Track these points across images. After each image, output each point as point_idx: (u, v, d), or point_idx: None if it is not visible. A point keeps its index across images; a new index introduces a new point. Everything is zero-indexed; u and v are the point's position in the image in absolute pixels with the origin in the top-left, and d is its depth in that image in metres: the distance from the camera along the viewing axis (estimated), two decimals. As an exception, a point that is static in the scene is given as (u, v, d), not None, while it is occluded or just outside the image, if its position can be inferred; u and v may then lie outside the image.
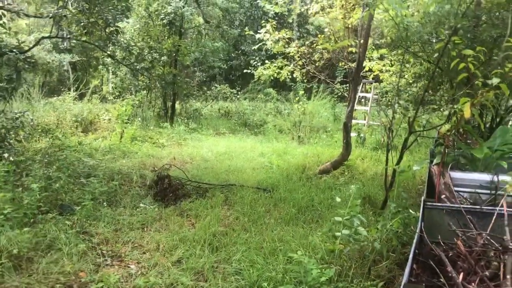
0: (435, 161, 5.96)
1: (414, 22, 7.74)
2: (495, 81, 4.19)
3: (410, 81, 10.50)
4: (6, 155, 6.29)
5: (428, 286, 3.23)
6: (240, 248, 4.61)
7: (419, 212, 4.21)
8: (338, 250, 3.97)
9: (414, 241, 3.46)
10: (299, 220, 5.62)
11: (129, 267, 4.33)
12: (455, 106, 4.80)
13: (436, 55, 5.78)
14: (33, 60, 8.95)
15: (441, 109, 7.81)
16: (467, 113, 4.74)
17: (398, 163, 5.60)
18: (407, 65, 10.93)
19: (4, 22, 7.63)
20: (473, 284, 3.00)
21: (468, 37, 6.23)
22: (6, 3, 9.50)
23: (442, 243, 3.72)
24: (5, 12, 8.36)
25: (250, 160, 9.68)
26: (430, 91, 8.17)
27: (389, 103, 8.95)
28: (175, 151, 10.53)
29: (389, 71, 12.20)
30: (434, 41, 6.65)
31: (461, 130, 5.87)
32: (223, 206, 6.30)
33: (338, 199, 4.28)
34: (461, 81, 5.79)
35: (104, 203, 5.97)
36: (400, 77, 11.17)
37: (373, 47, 12.18)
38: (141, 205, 6.19)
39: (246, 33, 12.94)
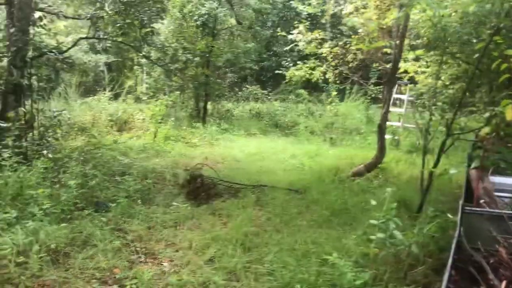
0: (473, 164, 5.78)
1: (452, 22, 7.54)
2: (540, 82, 4.02)
3: (447, 83, 10.23)
4: (45, 152, 6.47)
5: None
6: (272, 249, 4.58)
7: (457, 217, 4.08)
8: (372, 254, 3.89)
9: (453, 246, 3.36)
10: (332, 222, 5.55)
11: (162, 264, 4.37)
12: (495, 109, 4.64)
13: (476, 55, 5.59)
14: (70, 61, 9.21)
15: (480, 112, 7.57)
16: (509, 116, 4.57)
17: (435, 166, 5.45)
18: (444, 67, 10.66)
19: (44, 24, 7.87)
20: (517, 293, 2.89)
21: (511, 37, 6.00)
22: (46, 5, 9.78)
23: (482, 249, 3.60)
24: (45, 14, 8.63)
25: (282, 161, 9.65)
26: (468, 93, 7.94)
27: (425, 105, 8.72)
28: (207, 151, 10.61)
29: (425, 72, 11.92)
30: (474, 41, 6.43)
31: (501, 133, 5.67)
32: (254, 206, 6.28)
33: (373, 202, 4.18)
34: (502, 83, 5.59)
35: (138, 200, 6.05)
36: (437, 78, 10.90)
37: (409, 48, 11.94)
38: (174, 203, 6.24)
39: (279, 34, 12.92)
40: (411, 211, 5.85)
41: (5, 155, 5.23)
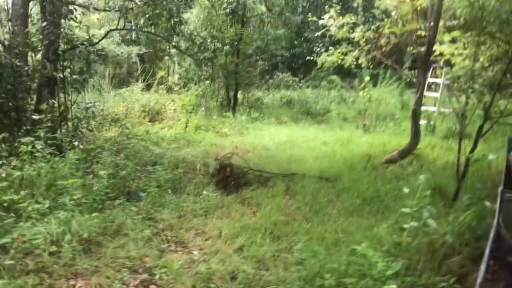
0: (514, 149, 5.51)
1: (490, 0, 7.18)
2: None
3: (486, 65, 9.80)
4: (76, 143, 6.60)
5: (508, 285, 2.98)
6: (302, 238, 4.51)
7: (496, 204, 3.89)
8: (405, 243, 3.76)
9: (491, 235, 3.20)
10: (364, 211, 5.42)
11: (192, 253, 4.38)
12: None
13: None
14: (103, 53, 9.32)
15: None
16: (552, 98, 4.32)
17: (472, 151, 5.22)
18: (482, 48, 10.19)
19: (75, 17, 7.98)
20: (560, 285, 2.72)
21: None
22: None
23: (522, 238, 3.42)
24: (76, 7, 8.75)
25: (313, 149, 9.51)
26: (509, 75, 7.57)
27: (462, 88, 8.38)
28: (237, 140, 10.59)
29: (462, 54, 11.45)
30: (515, 19, 6.10)
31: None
32: (284, 195, 6.21)
33: (406, 190, 4.04)
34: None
35: (169, 190, 6.10)
36: (475, 60, 10.46)
37: (444, 30, 11.48)
38: (204, 192, 6.26)
39: (309, 19, 12.67)
40: (447, 198, 5.64)
41: (38, 146, 5.33)
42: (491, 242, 2.99)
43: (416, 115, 7.75)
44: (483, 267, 2.64)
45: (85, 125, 8.18)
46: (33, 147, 5.32)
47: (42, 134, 5.63)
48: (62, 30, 7.68)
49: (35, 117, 6.21)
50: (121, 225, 4.67)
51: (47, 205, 4.41)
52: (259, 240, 4.50)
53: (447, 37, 11.56)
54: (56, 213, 4.34)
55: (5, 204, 4.40)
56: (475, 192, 5.55)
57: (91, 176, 5.83)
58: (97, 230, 4.42)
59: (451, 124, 10.48)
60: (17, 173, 4.84)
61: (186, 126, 11.43)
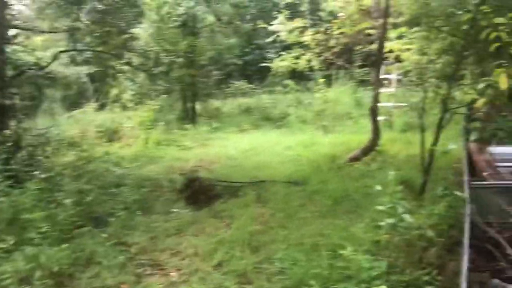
0: (472, 137, 5.73)
1: (436, -5, 7.44)
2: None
3: (433, 58, 10.17)
4: (37, 172, 6.30)
5: (486, 271, 3.06)
6: (280, 246, 4.50)
7: (464, 193, 4.01)
8: (384, 240, 3.80)
9: (466, 224, 3.28)
10: (337, 211, 5.47)
11: (170, 275, 4.26)
12: (492, 79, 4.57)
13: (464, 27, 5.51)
14: (52, 76, 9.01)
15: (469, 84, 7.51)
16: (503, 84, 4.51)
17: (434, 143, 5.37)
18: (427, 42, 10.57)
19: (21, 41, 7.67)
20: (538, 266, 2.82)
21: (496, 5, 5.92)
22: (21, 21, 9.53)
23: (494, 223, 3.53)
24: (19, 31, 8.42)
25: (277, 154, 9.53)
26: (456, 66, 7.87)
27: (417, 82, 8.64)
28: (201, 152, 10.46)
29: (410, 49, 11.84)
30: (459, 13, 6.34)
31: (497, 103, 5.61)
32: (256, 203, 6.18)
33: (378, 187, 4.10)
34: (491, 53, 5.52)
35: (137, 211, 5.92)
36: (423, 54, 10.82)
37: (391, 27, 11.83)
38: (174, 210, 6.12)
39: (259, 26, 12.76)
40: (414, 191, 5.77)
41: (-5, 180, 5.06)
42: (468, 232, 3.06)
43: (374, 112, 7.92)
44: (465, 257, 2.68)
45: (41, 153, 7.84)
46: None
47: (-1, 167, 5.33)
48: (8, 55, 7.35)
49: (-12, 149, 5.87)
50: (92, 253, 4.49)
51: (12, 242, 4.17)
52: (237, 254, 4.44)
53: (394, 34, 11.97)
54: (23, 249, 4.11)
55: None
56: (440, 181, 5.73)
57: (54, 205, 5.57)
58: (67, 261, 4.22)
59: (407, 117, 10.78)
60: (-26, 211, 4.56)
61: (146, 143, 11.18)
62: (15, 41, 7.85)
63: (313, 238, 4.57)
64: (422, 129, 5.72)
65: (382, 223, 3.84)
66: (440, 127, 5.38)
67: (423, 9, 7.19)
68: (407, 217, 3.68)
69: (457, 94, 5.90)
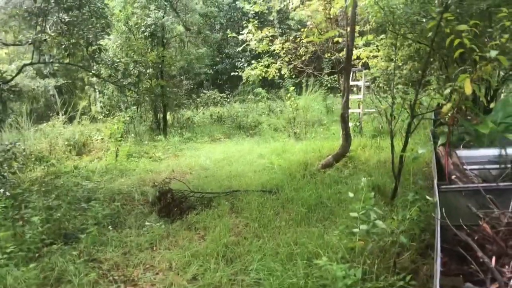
0: (440, 141, 5.85)
1: (399, 4, 7.64)
2: (493, 53, 4.07)
3: (400, 64, 10.40)
4: (1, 190, 6.09)
5: (458, 274, 3.11)
6: (255, 256, 4.46)
7: (433, 197, 4.08)
8: (358, 247, 3.83)
9: (437, 229, 3.33)
10: (311, 219, 5.48)
11: (144, 291, 4.17)
12: (457, 84, 4.69)
13: (428, 34, 5.65)
14: (17, 89, 8.76)
15: (435, 89, 7.70)
16: (467, 89, 4.62)
17: (404, 149, 5.47)
18: (394, 48, 10.81)
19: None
20: (507, 266, 2.88)
21: (458, 12, 6.12)
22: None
23: (464, 226, 3.59)
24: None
25: (250, 163, 9.53)
26: (421, 72, 8.08)
27: (384, 88, 8.82)
28: (173, 163, 10.35)
29: (377, 56, 12.10)
30: (424, 20, 6.52)
31: (462, 107, 5.76)
32: (230, 214, 6.14)
33: (351, 194, 4.13)
34: (455, 58, 5.68)
35: (109, 226, 5.79)
36: (390, 60, 11.06)
37: (358, 34, 12.06)
38: (147, 223, 6.01)
39: (229, 35, 12.82)
40: (386, 196, 5.86)
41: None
42: (439, 236, 3.10)
43: (345, 119, 8.02)
44: (438, 261, 2.72)
45: (7, 168, 7.59)
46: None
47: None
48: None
49: None
50: (62, 272, 4.35)
51: (-25, 264, 4.00)
52: (212, 266, 4.38)
53: (361, 42, 12.21)
54: (-13, 271, 3.95)
55: None
56: (411, 186, 5.83)
57: (21, 223, 5.39)
58: (36, 282, 4.09)
59: (376, 123, 10.97)
60: None
61: (116, 155, 10.99)
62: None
63: (288, 247, 4.56)
64: (392, 135, 5.81)
65: (356, 230, 3.86)
66: (408, 132, 5.49)
67: (388, 17, 7.35)
68: (380, 223, 3.72)
69: (424, 99, 6.03)
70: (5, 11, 9.96)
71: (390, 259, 3.77)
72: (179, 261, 4.64)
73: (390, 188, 5.95)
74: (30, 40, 8.55)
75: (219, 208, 6.35)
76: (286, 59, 13.29)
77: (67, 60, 9.15)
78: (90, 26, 8.67)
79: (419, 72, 6.48)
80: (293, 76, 15.78)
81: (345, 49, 9.02)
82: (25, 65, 8.43)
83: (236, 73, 15.27)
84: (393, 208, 5.17)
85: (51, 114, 15.97)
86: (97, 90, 17.19)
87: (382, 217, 4.14)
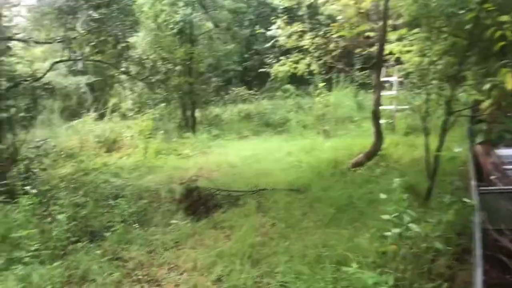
0: (478, 140, 5.56)
1: (435, -5, 7.30)
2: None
3: (435, 59, 10.00)
4: (28, 187, 6.13)
5: (501, 284, 2.87)
6: (282, 258, 4.31)
7: (471, 199, 3.83)
8: (390, 252, 3.61)
9: (477, 234, 3.10)
10: (340, 220, 5.27)
11: (167, 291, 4.09)
12: (497, 79, 4.40)
13: (466, 27, 5.34)
14: (50, 86, 8.87)
15: (472, 85, 7.35)
16: (509, 85, 4.36)
17: (439, 148, 5.19)
18: (428, 42, 10.39)
19: (15, 52, 7.54)
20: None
21: (499, 3, 5.76)
22: (18, 33, 9.40)
23: (506, 231, 3.35)
24: (15, 42, 8.29)
25: (278, 160, 9.36)
26: (458, 66, 7.71)
27: (418, 84, 8.47)
28: (200, 160, 10.29)
29: (410, 51, 11.69)
30: (460, 12, 6.18)
31: (503, 104, 5.44)
32: (257, 213, 5.99)
33: (383, 196, 3.91)
34: (496, 52, 5.35)
35: (135, 224, 5.76)
36: (424, 55, 10.65)
37: (391, 29, 11.68)
38: (173, 221, 5.96)
39: (257, 31, 12.65)
40: (420, 197, 5.59)
41: (-15, 196, 4.89)
42: (480, 243, 2.87)
43: (376, 115, 7.74)
44: (479, 270, 2.50)
45: (38, 165, 7.69)
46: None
47: (-13, 183, 5.18)
48: (3, 67, 7.22)
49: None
50: (87, 270, 4.32)
51: (1, 261, 4.00)
52: (237, 267, 4.26)
53: (393, 36, 11.83)
54: (14, 268, 3.93)
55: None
56: (446, 186, 5.54)
57: (50, 219, 5.41)
58: (61, 280, 4.06)
59: (409, 120, 10.60)
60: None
61: (145, 152, 11.03)
62: (11, 52, 7.72)
63: (316, 250, 4.38)
64: (426, 133, 5.53)
65: (388, 233, 3.65)
66: (444, 130, 5.20)
67: (422, 10, 7.04)
68: (414, 226, 3.49)
69: (461, 95, 5.72)
70: (38, 10, 10.14)
71: (425, 264, 3.54)
72: (204, 261, 4.53)
73: (424, 188, 5.66)
74: (60, 38, 8.66)
75: (245, 206, 6.23)
76: (316, 54, 13.04)
77: (96, 58, 9.23)
78: (119, 23, 8.70)
79: (455, 67, 6.14)
80: (323, 72, 15.48)
81: (376, 44, 8.73)
82: (55, 62, 8.53)
83: (265, 70, 15.10)
84: (427, 210, 4.91)
85: (82, 111, 16.24)
86: (127, 88, 17.36)
87: (416, 220, 3.90)
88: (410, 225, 3.55)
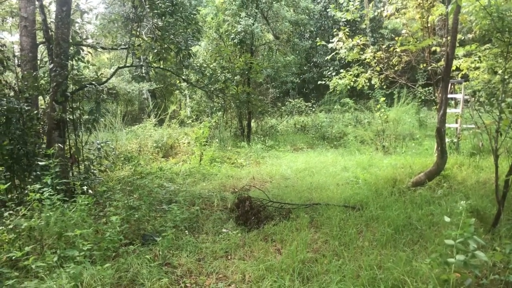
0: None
1: (510, 9, 6.88)
2: None
3: (506, 77, 9.40)
4: (85, 188, 6.32)
5: None
6: (334, 277, 4.10)
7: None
8: (453, 280, 3.33)
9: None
10: (398, 241, 4.98)
11: (214, 302, 4.01)
12: None
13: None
14: (114, 91, 9.17)
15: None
16: None
17: (511, 171, 4.79)
18: (500, 60, 9.80)
19: (82, 57, 7.85)
20: None
21: None
22: (89, 38, 9.84)
23: None
24: (84, 48, 8.65)
25: (333, 175, 9.12)
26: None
27: (487, 102, 7.98)
28: (254, 170, 10.25)
29: (479, 68, 11.09)
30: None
31: None
32: (309, 228, 5.81)
33: (447, 219, 3.64)
34: None
35: (186, 230, 5.76)
36: (494, 73, 10.08)
37: (458, 44, 11.15)
38: (224, 230, 5.91)
39: (318, 43, 12.49)
40: (486, 222, 5.20)
41: (46, 194, 5.05)
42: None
43: (441, 134, 7.33)
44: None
45: (97, 166, 7.94)
46: (42, 194, 5.05)
47: (49, 181, 5.35)
48: (70, 71, 7.54)
49: (41, 162, 5.94)
50: (136, 274, 4.32)
51: (55, 259, 4.09)
52: (287, 283, 4.10)
53: (461, 51, 11.28)
54: (66, 267, 4.01)
55: (12, 259, 4.11)
56: (517, 213, 5.11)
57: (104, 220, 5.53)
58: (110, 281, 4.08)
59: (475, 140, 10.01)
60: (25, 224, 4.55)
61: (200, 159, 11.16)
62: (78, 57, 8.05)
63: (371, 271, 4.15)
64: (496, 154, 5.14)
65: (451, 260, 3.37)
66: (518, 152, 4.80)
67: (497, 24, 6.62)
68: (481, 254, 3.20)
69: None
70: (105, 17, 10.58)
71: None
72: (253, 273, 4.41)
73: (492, 214, 5.26)
74: (124, 45, 8.95)
75: (297, 220, 6.06)
76: (378, 68, 12.70)
77: (159, 65, 9.46)
78: (182, 31, 8.87)
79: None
80: (384, 87, 15.07)
81: (443, 59, 8.31)
82: (118, 68, 8.80)
83: (323, 82, 14.91)
84: (495, 238, 4.53)
85: (143, 117, 16.78)
86: (187, 95, 17.75)
87: (482, 247, 3.59)
88: (476, 252, 3.26)
